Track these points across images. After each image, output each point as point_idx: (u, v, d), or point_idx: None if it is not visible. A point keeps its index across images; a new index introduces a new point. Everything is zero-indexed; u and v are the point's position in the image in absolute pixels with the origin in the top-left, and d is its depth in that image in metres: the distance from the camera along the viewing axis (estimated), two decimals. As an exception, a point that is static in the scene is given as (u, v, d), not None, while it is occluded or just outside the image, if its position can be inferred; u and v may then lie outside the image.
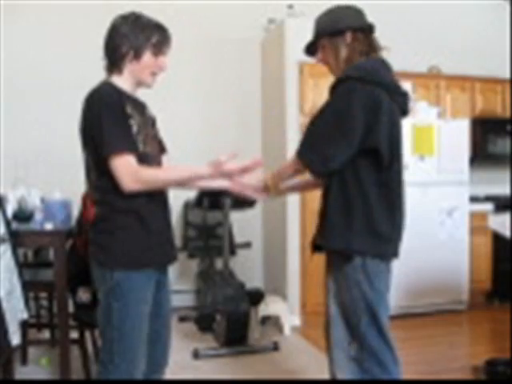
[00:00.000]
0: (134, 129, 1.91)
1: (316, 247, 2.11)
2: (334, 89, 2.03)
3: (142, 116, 2.00)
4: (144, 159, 1.91)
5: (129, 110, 1.92)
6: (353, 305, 1.97)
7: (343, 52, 2.04)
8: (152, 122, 2.12)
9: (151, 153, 1.99)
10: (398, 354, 2.02)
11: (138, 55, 1.94)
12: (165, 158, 2.16)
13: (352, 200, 1.94)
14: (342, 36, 2.04)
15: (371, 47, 2.05)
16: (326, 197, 2.04)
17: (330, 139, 1.92)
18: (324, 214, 2.03)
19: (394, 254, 2.05)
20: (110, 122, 1.84)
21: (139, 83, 2.01)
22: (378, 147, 1.92)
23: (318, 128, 1.98)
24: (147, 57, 1.95)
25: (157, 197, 1.98)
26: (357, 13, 2.09)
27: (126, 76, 1.97)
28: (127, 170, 1.83)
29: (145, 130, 1.98)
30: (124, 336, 1.91)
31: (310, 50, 2.18)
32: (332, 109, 1.97)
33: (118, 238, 1.91)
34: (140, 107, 2.04)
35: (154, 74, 2.00)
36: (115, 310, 1.90)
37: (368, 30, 2.07)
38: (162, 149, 2.16)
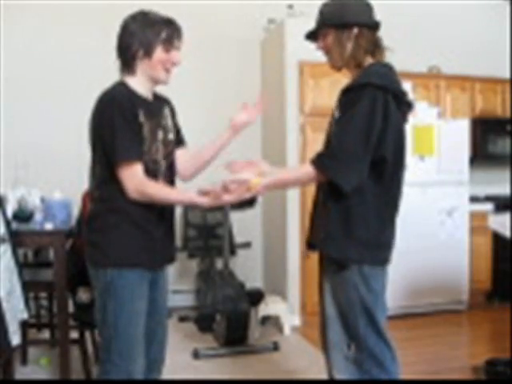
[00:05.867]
0: (143, 136, 1.92)
1: (310, 245, 2.12)
2: (348, 92, 1.94)
3: (153, 119, 1.98)
4: (148, 168, 1.92)
5: (140, 115, 1.92)
6: (350, 306, 1.95)
7: (348, 47, 1.98)
8: (169, 118, 2.08)
9: (158, 159, 1.97)
10: (397, 354, 2.02)
11: (148, 52, 1.93)
12: (179, 153, 2.12)
13: (352, 209, 1.92)
14: (348, 30, 1.97)
15: (376, 46, 2.00)
16: (325, 202, 1.99)
17: (358, 154, 1.86)
18: (322, 219, 2.00)
19: (390, 259, 2.04)
20: (121, 129, 1.85)
21: (154, 81, 1.99)
22: (385, 157, 1.90)
23: (347, 143, 1.87)
24: (158, 52, 1.93)
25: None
26: (366, 7, 2.02)
27: (139, 76, 1.97)
28: (132, 180, 1.87)
29: (152, 136, 1.96)
30: (120, 334, 1.91)
31: (312, 34, 2.10)
32: (358, 121, 1.86)
33: (109, 236, 1.92)
34: (153, 108, 2.01)
35: (167, 70, 1.97)
36: (110, 308, 1.91)
37: (374, 27, 2.01)
38: (179, 142, 2.13)
